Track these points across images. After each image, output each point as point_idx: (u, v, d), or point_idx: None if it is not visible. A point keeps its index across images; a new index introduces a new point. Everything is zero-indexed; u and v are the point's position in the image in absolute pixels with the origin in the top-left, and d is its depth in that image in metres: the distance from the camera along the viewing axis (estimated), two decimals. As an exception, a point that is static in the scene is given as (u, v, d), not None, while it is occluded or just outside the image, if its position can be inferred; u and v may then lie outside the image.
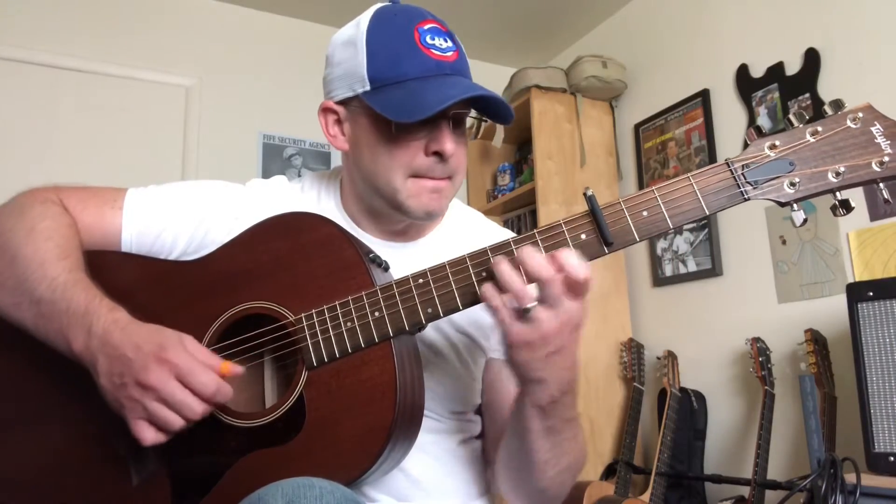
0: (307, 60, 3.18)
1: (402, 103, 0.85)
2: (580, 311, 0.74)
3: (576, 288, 0.72)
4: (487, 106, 0.92)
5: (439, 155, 0.89)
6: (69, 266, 0.85)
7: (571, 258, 0.71)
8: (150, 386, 0.75)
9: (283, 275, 0.86)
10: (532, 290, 0.73)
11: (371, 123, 0.90)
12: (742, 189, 0.73)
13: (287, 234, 0.88)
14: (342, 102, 0.94)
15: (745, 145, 0.75)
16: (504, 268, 0.73)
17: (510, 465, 0.92)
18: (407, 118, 0.84)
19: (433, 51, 0.88)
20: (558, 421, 0.81)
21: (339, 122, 0.96)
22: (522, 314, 0.73)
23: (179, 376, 0.76)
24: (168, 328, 0.80)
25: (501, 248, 0.77)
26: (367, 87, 0.89)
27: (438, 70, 0.87)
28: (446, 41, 0.90)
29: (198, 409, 0.76)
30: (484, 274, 0.77)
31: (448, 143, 0.88)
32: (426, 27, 0.89)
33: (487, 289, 0.75)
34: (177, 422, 0.77)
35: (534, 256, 0.72)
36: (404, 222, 0.98)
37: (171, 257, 0.97)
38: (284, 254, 0.87)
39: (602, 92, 3.11)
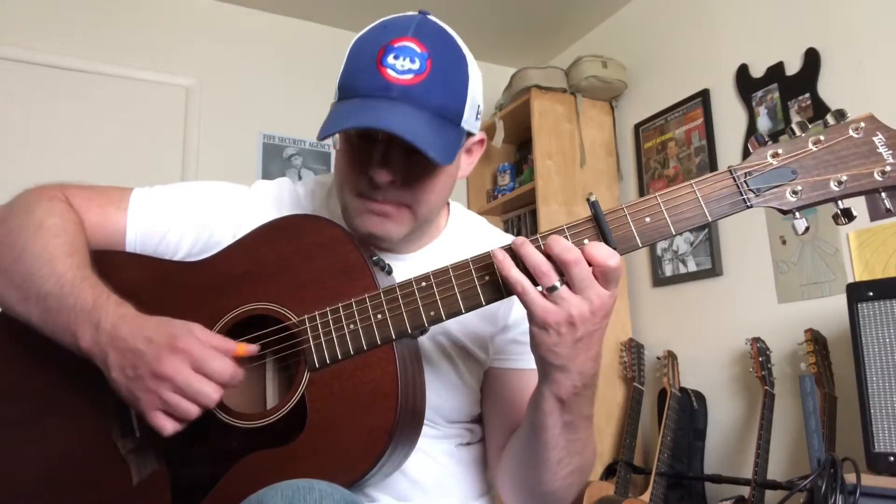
0: (307, 60, 3.19)
1: (332, 118, 0.86)
2: (612, 297, 0.74)
3: (608, 275, 0.72)
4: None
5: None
6: (77, 263, 0.85)
7: (601, 248, 0.72)
8: (165, 376, 0.75)
9: (287, 276, 0.86)
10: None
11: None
12: (745, 197, 0.73)
13: (291, 236, 0.88)
14: None
15: (746, 151, 0.75)
16: (528, 248, 0.73)
17: (519, 468, 0.91)
18: (320, 133, 0.84)
19: (389, 70, 0.84)
20: (577, 416, 0.81)
21: None
22: (549, 292, 0.72)
23: (194, 364, 0.76)
24: (175, 319, 0.80)
25: (503, 252, 0.77)
26: (336, 98, 0.90)
27: (385, 92, 0.83)
28: (413, 62, 0.84)
29: (214, 395, 0.76)
30: (487, 278, 0.77)
31: (374, 169, 0.86)
32: (397, 45, 0.84)
33: (512, 272, 0.74)
34: (194, 410, 0.76)
35: (559, 239, 0.73)
36: None
37: (176, 258, 0.97)
38: (288, 255, 0.87)
39: (602, 92, 3.11)
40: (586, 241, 0.75)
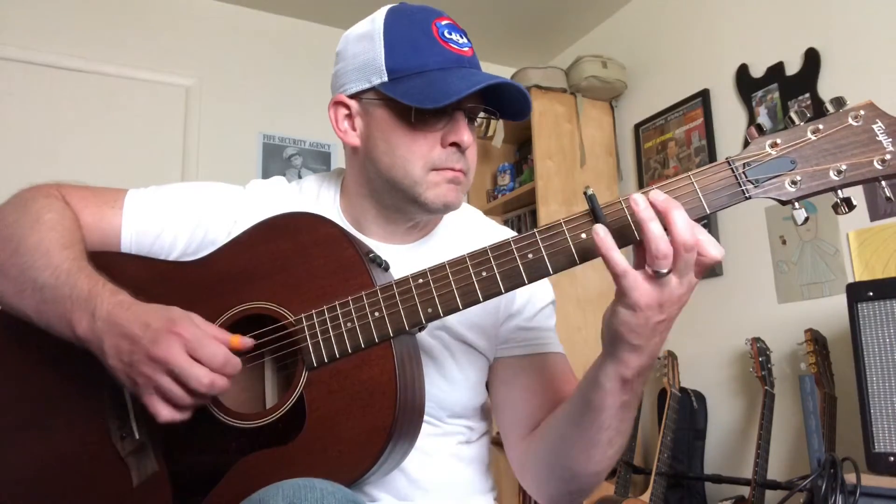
0: (307, 60, 3.19)
1: (424, 91, 0.86)
2: (695, 285, 0.73)
3: (706, 266, 0.71)
4: (504, 100, 0.93)
5: (457, 146, 0.90)
6: (73, 255, 0.85)
7: (713, 242, 0.70)
8: (160, 359, 0.75)
9: (283, 275, 0.86)
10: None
11: (388, 115, 0.91)
12: (743, 188, 0.72)
13: (287, 234, 0.88)
14: (355, 96, 0.94)
15: (746, 144, 0.75)
16: (653, 226, 0.68)
17: (561, 451, 0.89)
18: (432, 104, 0.85)
19: (452, 44, 0.90)
20: (632, 396, 0.80)
21: (350, 116, 0.96)
22: (657, 276, 0.70)
23: (189, 348, 0.76)
24: (175, 307, 0.80)
25: (501, 248, 0.77)
26: (385, 79, 0.90)
27: (458, 62, 0.90)
28: (462, 37, 0.92)
29: (204, 380, 0.75)
30: (484, 274, 0.77)
31: (466, 134, 0.90)
32: (443, 23, 0.91)
33: (613, 254, 0.70)
34: (185, 397, 0.76)
35: (682, 216, 0.68)
36: (411, 222, 0.98)
37: (171, 258, 0.97)
38: (284, 254, 0.87)
39: (602, 92, 3.11)
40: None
